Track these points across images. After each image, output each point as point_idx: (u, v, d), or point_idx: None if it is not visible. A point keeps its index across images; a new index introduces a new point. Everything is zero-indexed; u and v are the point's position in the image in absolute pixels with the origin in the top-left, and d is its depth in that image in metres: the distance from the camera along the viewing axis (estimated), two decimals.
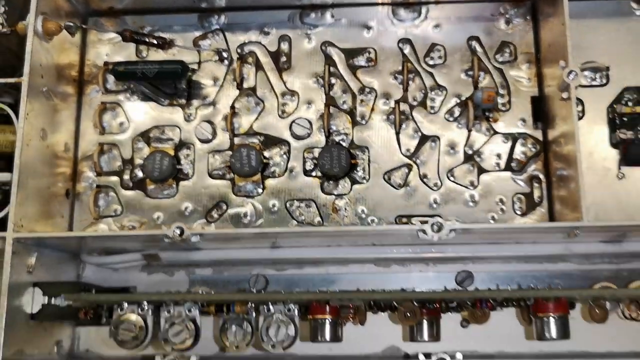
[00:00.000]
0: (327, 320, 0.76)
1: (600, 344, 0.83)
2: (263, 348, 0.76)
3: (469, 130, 0.88)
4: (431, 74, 0.90)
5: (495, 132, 0.88)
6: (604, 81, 0.88)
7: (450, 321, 0.84)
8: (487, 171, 0.87)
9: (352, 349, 0.84)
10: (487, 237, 0.82)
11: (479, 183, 0.87)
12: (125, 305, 0.76)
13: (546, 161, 0.86)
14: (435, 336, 0.79)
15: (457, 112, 0.89)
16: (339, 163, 0.86)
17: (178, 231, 0.74)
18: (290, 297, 0.76)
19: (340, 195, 0.88)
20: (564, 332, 0.75)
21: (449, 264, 0.86)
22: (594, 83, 0.88)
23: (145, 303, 0.76)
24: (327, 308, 0.76)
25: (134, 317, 0.76)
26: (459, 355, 0.73)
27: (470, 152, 0.88)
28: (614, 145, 0.86)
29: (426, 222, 0.71)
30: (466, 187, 0.87)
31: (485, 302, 0.76)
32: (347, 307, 0.77)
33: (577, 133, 0.74)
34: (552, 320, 0.74)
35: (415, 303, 0.76)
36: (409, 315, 0.76)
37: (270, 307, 0.76)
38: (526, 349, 0.84)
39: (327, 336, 0.76)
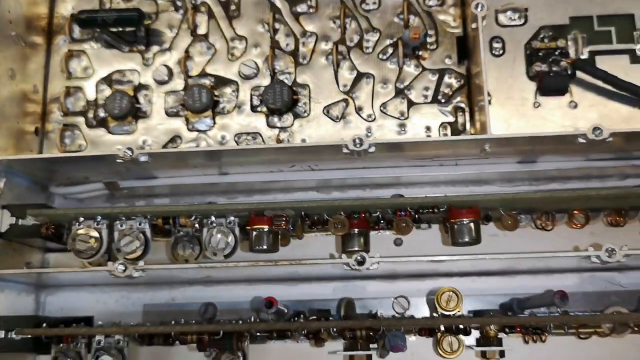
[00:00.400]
0: (264, 230, 0.84)
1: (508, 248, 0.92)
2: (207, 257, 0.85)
3: (400, 68, 0.97)
4: (367, 18, 0.99)
5: (424, 69, 0.97)
6: (523, 21, 0.96)
7: (384, 240, 0.94)
8: (416, 103, 0.96)
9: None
10: (412, 156, 0.89)
11: (409, 114, 0.95)
12: (82, 219, 0.85)
13: (469, 93, 0.95)
14: (364, 247, 0.87)
15: (390, 51, 0.98)
16: (282, 98, 0.95)
17: (129, 152, 0.82)
18: (228, 207, 0.84)
19: (283, 128, 0.97)
20: (476, 237, 0.83)
21: (384, 188, 0.95)
22: (513, 23, 0.96)
23: (99, 217, 0.85)
24: (264, 219, 0.84)
25: (89, 230, 0.84)
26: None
27: (401, 86, 0.96)
28: (531, 77, 0.94)
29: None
30: (397, 117, 0.95)
31: (404, 211, 0.84)
32: (280, 217, 0.85)
33: (484, 59, 0.83)
34: (464, 225, 0.82)
35: (343, 214, 0.84)
36: (338, 226, 0.85)
37: (213, 218, 0.85)
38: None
39: (265, 245, 0.84)
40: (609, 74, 0.91)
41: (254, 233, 0.84)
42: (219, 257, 0.84)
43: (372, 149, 0.80)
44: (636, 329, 0.86)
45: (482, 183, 0.94)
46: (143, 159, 0.83)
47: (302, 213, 0.85)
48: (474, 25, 0.86)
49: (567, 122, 0.93)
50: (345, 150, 0.80)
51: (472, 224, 0.82)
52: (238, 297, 0.96)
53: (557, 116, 0.93)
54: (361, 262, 0.79)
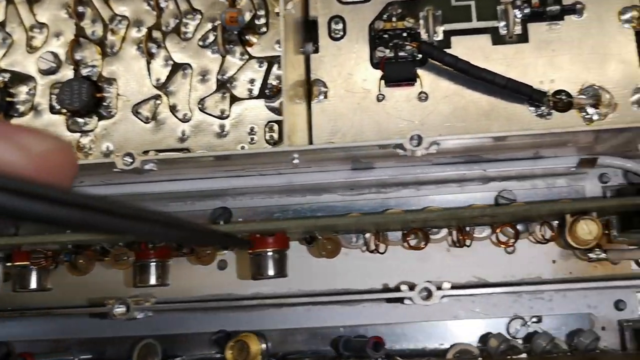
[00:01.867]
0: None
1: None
2: None
3: (223, 56, 0.81)
4: None
5: (251, 57, 0.81)
6: None
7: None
8: (240, 99, 0.80)
9: None
10: (236, 168, 0.75)
11: (231, 112, 0.80)
12: None
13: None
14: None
15: (211, 37, 0.82)
16: (80, 97, 0.79)
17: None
18: None
19: (85, 132, 0.82)
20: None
21: (207, 200, 0.80)
22: None
23: None
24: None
25: None
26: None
27: (223, 79, 0.81)
28: (375, 65, 0.79)
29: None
30: (217, 117, 0.80)
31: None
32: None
33: (284, 43, 0.67)
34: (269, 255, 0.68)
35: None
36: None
37: None
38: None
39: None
40: (459, 60, 0.75)
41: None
42: None
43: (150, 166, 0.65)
44: None
45: (320, 192, 0.79)
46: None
47: None
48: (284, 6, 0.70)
49: (416, 117, 0.77)
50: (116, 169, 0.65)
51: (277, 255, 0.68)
52: None
53: (404, 111, 0.78)
54: None
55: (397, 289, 0.63)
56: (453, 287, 0.68)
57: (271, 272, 0.67)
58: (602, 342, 0.73)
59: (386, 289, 0.71)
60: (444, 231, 0.74)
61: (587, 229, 0.64)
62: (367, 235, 0.73)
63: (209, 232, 0.47)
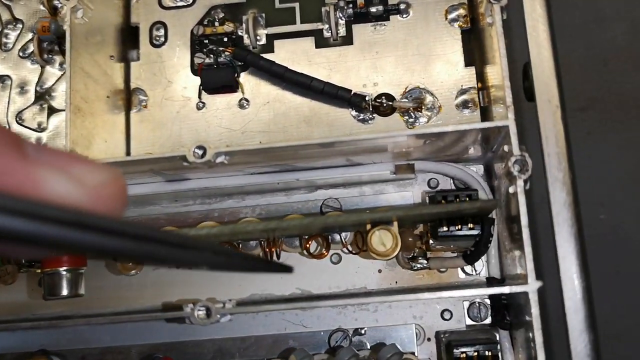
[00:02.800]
0: None
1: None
2: None
3: (42, 67, 0.78)
4: (9, 7, 0.80)
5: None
6: (190, 1, 0.78)
7: None
8: (58, 110, 0.77)
9: None
10: None
11: (48, 124, 0.77)
12: None
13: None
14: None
15: (31, 47, 0.79)
16: None
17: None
18: None
19: None
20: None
21: None
22: (180, 3, 0.78)
23: None
24: None
25: None
26: None
27: (41, 90, 0.78)
28: (194, 72, 0.76)
29: None
30: (34, 129, 0.77)
31: None
32: None
33: (69, 52, 0.64)
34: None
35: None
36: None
37: None
38: None
39: None
40: (275, 64, 0.72)
41: None
42: None
43: None
44: None
45: (146, 204, 0.76)
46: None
47: None
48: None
49: (237, 124, 0.75)
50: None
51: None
52: None
53: (224, 119, 0.75)
54: None
55: (179, 307, 0.60)
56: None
57: (65, 291, 0.64)
58: (425, 354, 0.70)
59: (167, 308, 0.68)
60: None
61: (381, 240, 0.61)
62: None
63: (254, 259, 0.48)
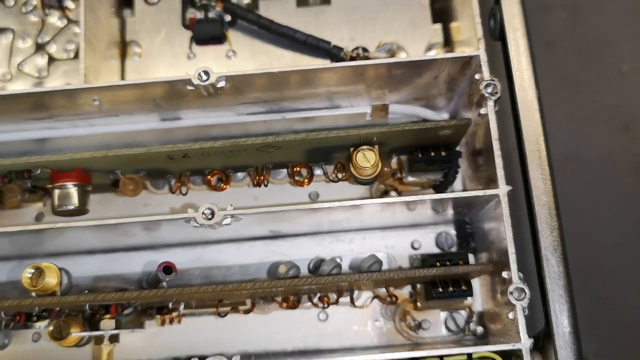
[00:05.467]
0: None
1: None
2: None
3: (42, 20, 0.84)
4: None
5: (70, 21, 0.84)
6: None
7: None
8: (58, 59, 0.83)
9: None
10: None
11: (49, 71, 0.83)
12: None
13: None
14: None
15: (34, 3, 0.85)
16: None
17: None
18: None
19: None
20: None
21: None
22: None
23: None
24: None
25: None
26: None
27: (42, 41, 0.84)
28: (186, 26, 0.83)
29: None
30: (35, 77, 0.83)
31: None
32: None
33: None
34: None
35: None
36: None
37: None
38: None
39: None
40: (262, 18, 0.80)
41: None
42: None
43: None
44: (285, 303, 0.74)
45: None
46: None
47: None
48: None
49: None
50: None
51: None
52: None
53: (212, 67, 0.81)
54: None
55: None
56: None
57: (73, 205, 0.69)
58: None
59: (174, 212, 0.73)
60: None
61: (365, 157, 0.68)
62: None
63: None
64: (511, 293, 0.62)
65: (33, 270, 0.67)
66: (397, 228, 0.78)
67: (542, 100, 0.68)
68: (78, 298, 0.64)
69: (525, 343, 0.60)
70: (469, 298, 0.73)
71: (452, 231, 0.78)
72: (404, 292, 0.76)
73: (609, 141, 1.02)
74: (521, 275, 0.62)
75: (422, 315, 0.74)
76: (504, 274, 0.63)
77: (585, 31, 1.08)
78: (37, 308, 0.66)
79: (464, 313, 0.75)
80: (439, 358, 0.63)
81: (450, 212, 0.76)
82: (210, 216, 0.63)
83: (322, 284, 0.64)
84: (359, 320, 0.75)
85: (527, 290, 0.61)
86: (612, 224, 1.01)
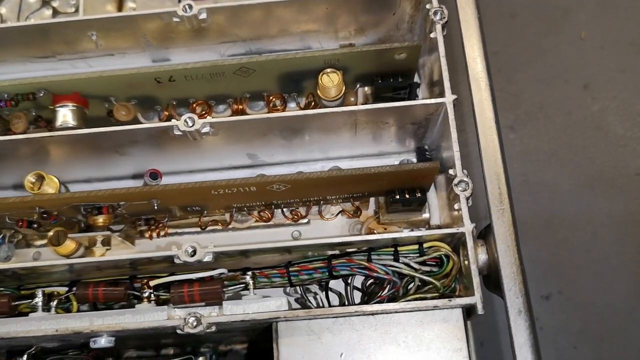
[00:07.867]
0: None
1: None
2: None
3: None
4: None
5: None
6: None
7: None
8: (61, 13, 0.93)
9: None
10: None
11: None
12: None
13: None
14: None
15: None
16: None
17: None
18: None
19: None
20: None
21: None
22: None
23: None
24: None
25: None
26: None
27: None
28: None
29: None
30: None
31: None
32: None
33: None
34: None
35: None
36: None
37: None
38: None
39: None
40: None
41: None
42: None
43: None
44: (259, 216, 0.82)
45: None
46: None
47: None
48: None
49: None
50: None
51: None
52: None
53: None
54: None
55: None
56: None
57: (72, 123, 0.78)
58: None
59: None
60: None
61: (330, 79, 0.77)
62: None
63: None
64: (456, 185, 0.69)
65: (36, 177, 0.75)
66: (364, 157, 0.86)
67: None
68: (73, 195, 0.72)
69: (468, 227, 0.67)
70: (426, 213, 0.81)
71: (414, 159, 0.85)
72: (370, 211, 0.84)
73: (569, 99, 1.11)
74: (465, 171, 0.70)
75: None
76: (450, 171, 0.71)
77: (546, 2, 1.17)
78: (37, 208, 0.74)
79: (424, 230, 0.82)
80: (393, 249, 0.70)
81: (412, 142, 0.84)
82: (190, 124, 0.72)
83: (288, 180, 0.72)
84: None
85: (469, 182, 0.69)
86: (570, 175, 1.09)
